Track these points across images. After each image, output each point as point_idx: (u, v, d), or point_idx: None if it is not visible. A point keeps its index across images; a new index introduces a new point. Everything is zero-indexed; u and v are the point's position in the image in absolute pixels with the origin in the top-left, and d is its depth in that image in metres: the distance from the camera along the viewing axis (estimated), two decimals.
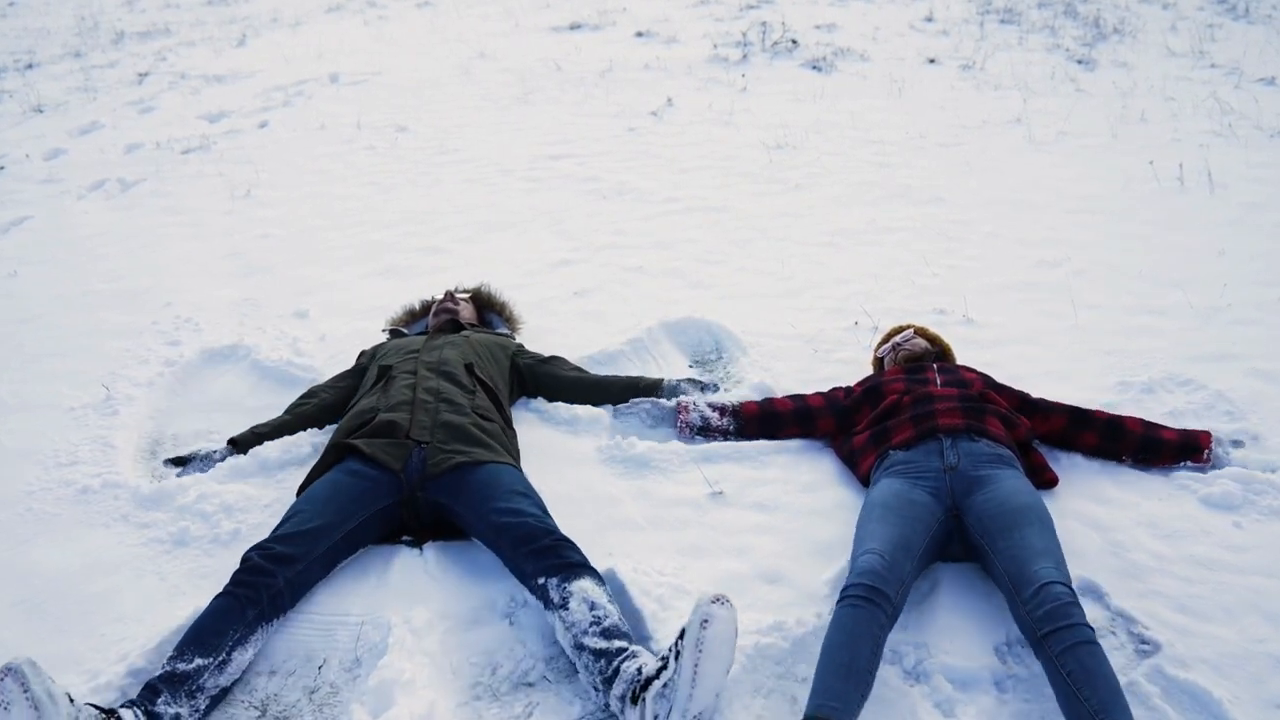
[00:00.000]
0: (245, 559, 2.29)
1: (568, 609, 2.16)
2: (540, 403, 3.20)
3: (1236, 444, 2.79)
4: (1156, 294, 3.79)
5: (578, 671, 2.17)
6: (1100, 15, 8.86)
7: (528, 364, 3.25)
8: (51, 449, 3.09)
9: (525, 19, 9.96)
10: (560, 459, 2.94)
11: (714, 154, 5.75)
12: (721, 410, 3.00)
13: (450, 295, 3.51)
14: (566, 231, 4.71)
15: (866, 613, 2.04)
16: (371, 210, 5.12)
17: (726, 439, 2.96)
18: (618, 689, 2.00)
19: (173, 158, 6.21)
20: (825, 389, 3.07)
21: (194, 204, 5.36)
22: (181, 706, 2.02)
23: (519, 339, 3.54)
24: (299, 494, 2.63)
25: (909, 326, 3.21)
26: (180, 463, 2.97)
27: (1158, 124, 5.95)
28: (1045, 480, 2.66)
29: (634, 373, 3.38)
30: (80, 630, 2.35)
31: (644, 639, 2.23)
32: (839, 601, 2.10)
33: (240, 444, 2.98)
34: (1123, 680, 2.08)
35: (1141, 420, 2.80)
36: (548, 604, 2.23)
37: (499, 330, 3.54)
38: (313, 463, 2.88)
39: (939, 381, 2.80)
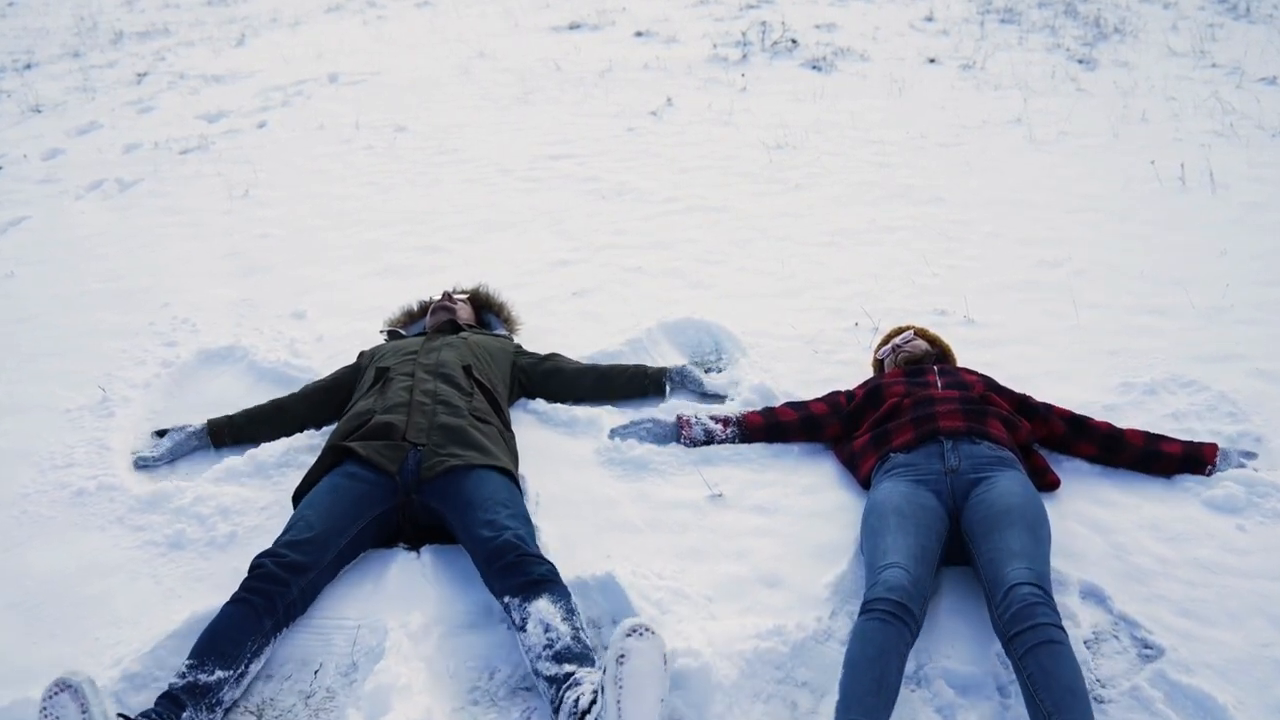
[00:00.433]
0: (258, 565, 2.25)
1: (525, 631, 2.14)
2: (539, 404, 3.17)
3: (1248, 455, 2.74)
4: (1158, 294, 3.77)
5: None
6: (1101, 15, 8.85)
7: (529, 363, 3.24)
8: (47, 451, 3.07)
9: (525, 19, 9.94)
10: (559, 461, 2.92)
11: (714, 154, 5.73)
12: (725, 422, 2.96)
13: (448, 296, 3.49)
14: (566, 231, 4.70)
15: (895, 630, 2.00)
16: (370, 210, 5.10)
17: (733, 446, 2.94)
18: (562, 718, 1.97)
19: (171, 158, 6.19)
20: (824, 393, 3.05)
21: (192, 204, 5.34)
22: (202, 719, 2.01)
23: (517, 339, 3.53)
24: (295, 496, 2.61)
25: (909, 328, 3.19)
26: (162, 434, 3.09)
27: (1159, 124, 5.93)
28: (1047, 482, 2.63)
29: (626, 391, 3.31)
30: (74, 634, 2.34)
31: (591, 663, 2.20)
32: (864, 613, 2.05)
33: (214, 430, 3.06)
34: (1125, 685, 2.07)
35: (1144, 433, 2.76)
36: (511, 624, 2.21)
37: (497, 331, 3.52)
38: (309, 465, 2.87)
39: (940, 384, 2.78)
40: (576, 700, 1.95)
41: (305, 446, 3.00)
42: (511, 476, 2.63)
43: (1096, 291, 3.83)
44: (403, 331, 3.46)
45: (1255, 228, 4.35)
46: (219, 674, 2.05)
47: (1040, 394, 3.05)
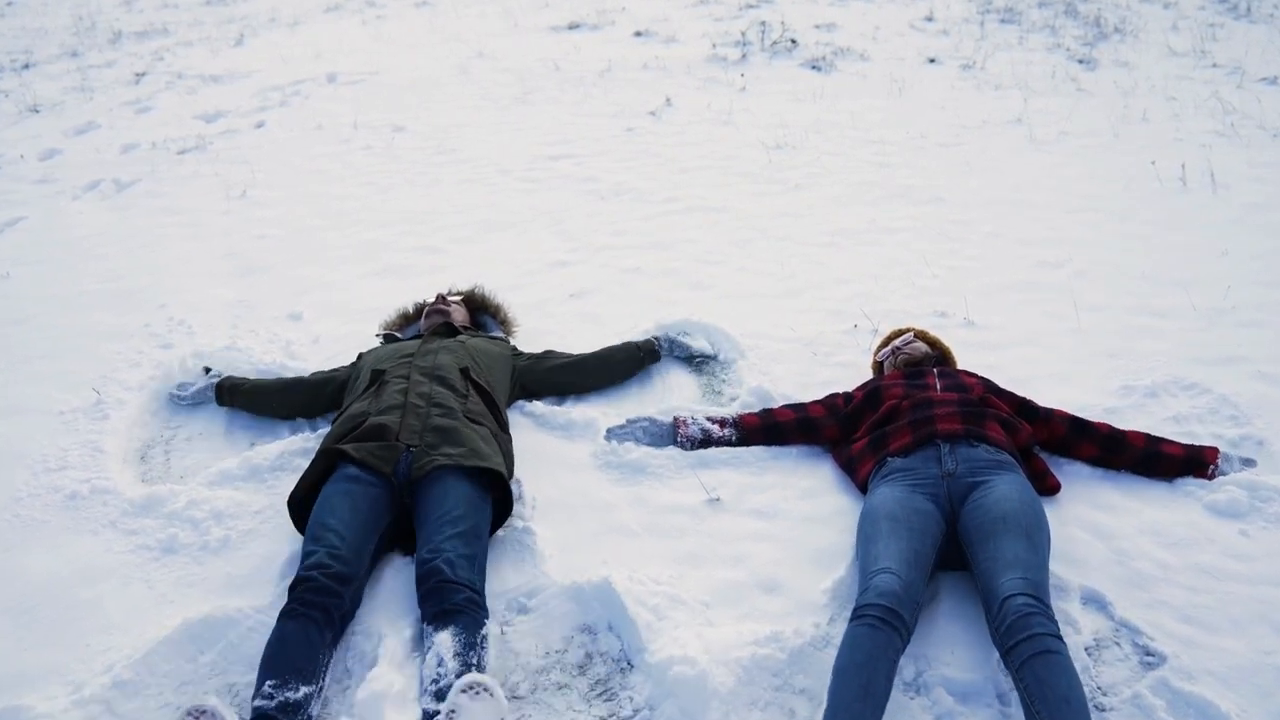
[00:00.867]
0: (308, 579, 2.21)
1: (424, 662, 2.12)
2: (535, 406, 3.15)
3: (1248, 463, 2.72)
4: (1159, 295, 3.75)
5: (573, 681, 2.14)
6: (1101, 14, 8.82)
7: (528, 364, 3.23)
8: (40, 454, 3.05)
9: (524, 19, 9.92)
10: (555, 464, 2.90)
11: (713, 154, 5.71)
12: (721, 422, 2.95)
13: (442, 298, 3.47)
14: (565, 232, 4.67)
15: (884, 636, 1.98)
16: (368, 210, 5.08)
17: (730, 447, 2.92)
18: None
19: (169, 158, 6.17)
20: (823, 395, 3.03)
21: (190, 204, 5.32)
22: None
23: (513, 341, 3.51)
24: (291, 501, 2.57)
25: (909, 330, 3.16)
26: (206, 372, 3.42)
27: (1159, 124, 5.91)
28: (1048, 486, 2.61)
29: (626, 366, 3.33)
30: (65, 640, 2.32)
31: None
32: (855, 619, 2.04)
33: (220, 391, 3.27)
34: (1127, 693, 2.04)
35: (1146, 435, 2.74)
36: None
37: (493, 334, 3.50)
38: (304, 468, 2.85)
39: (939, 386, 2.76)
40: None
41: (299, 450, 2.98)
42: (498, 479, 2.59)
43: (1097, 293, 3.80)
44: (398, 335, 3.44)
45: (1256, 228, 4.33)
46: (304, 690, 2.03)
47: (1040, 397, 3.03)
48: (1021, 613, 1.97)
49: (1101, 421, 2.82)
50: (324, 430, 3.08)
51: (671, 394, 3.26)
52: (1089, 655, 2.16)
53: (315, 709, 2.05)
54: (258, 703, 2.00)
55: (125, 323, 3.90)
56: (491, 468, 2.57)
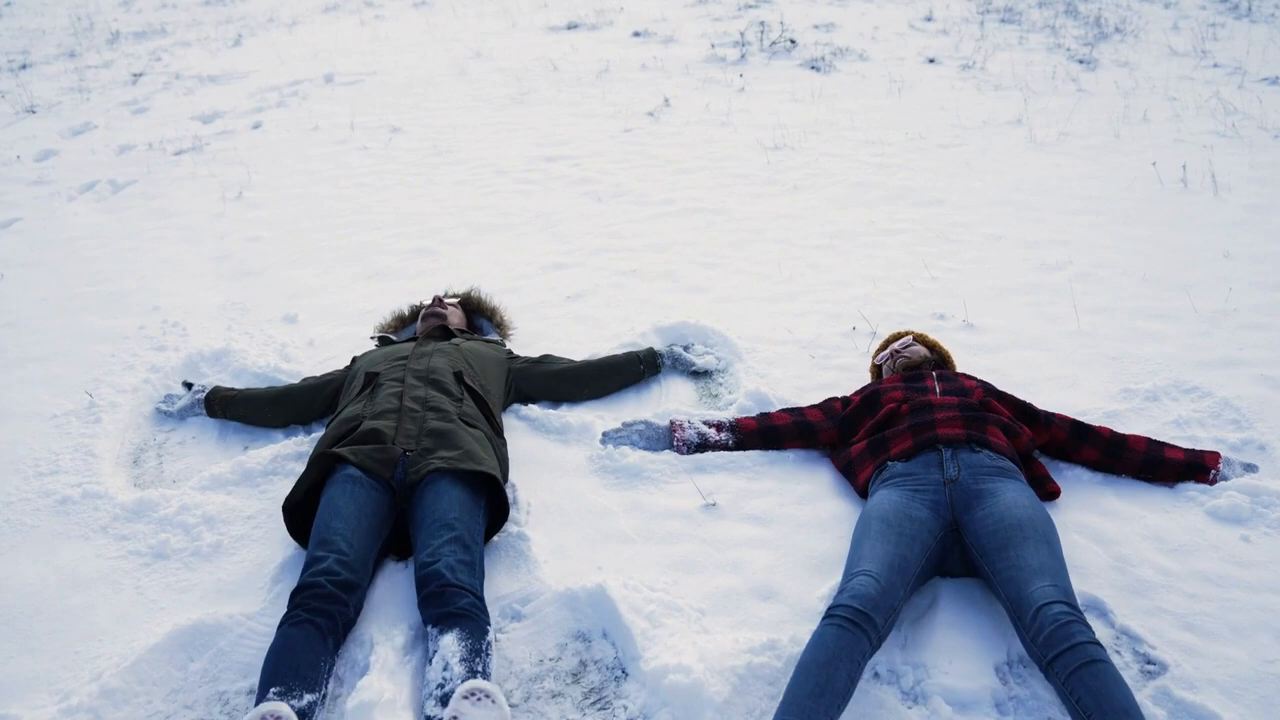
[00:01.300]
0: (314, 585, 2.19)
1: (430, 666, 2.10)
2: (531, 410, 3.13)
3: (1250, 468, 2.70)
4: (1160, 297, 3.72)
5: (565, 690, 2.11)
6: (1101, 14, 8.80)
7: (523, 367, 3.20)
8: (32, 458, 3.02)
9: (522, 19, 9.90)
10: (550, 469, 2.87)
11: (711, 155, 5.68)
12: (718, 426, 2.92)
13: (438, 301, 3.44)
14: (561, 234, 4.65)
15: (851, 637, 1.98)
16: (364, 212, 5.06)
17: (727, 451, 2.89)
18: None
19: (165, 159, 6.15)
20: (820, 399, 3.00)
21: (185, 206, 5.29)
22: None
23: (509, 344, 3.48)
24: (286, 506, 2.54)
25: (908, 333, 3.14)
26: (188, 387, 3.34)
27: (1160, 124, 5.88)
28: (1048, 492, 2.58)
29: (624, 378, 3.29)
30: (53, 647, 2.29)
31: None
32: (825, 617, 2.04)
33: (210, 403, 3.21)
34: None
35: (1147, 439, 2.71)
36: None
37: (489, 337, 3.47)
38: (298, 472, 2.82)
39: (938, 390, 2.73)
40: None
41: (293, 454, 2.95)
42: (493, 483, 2.57)
43: (1098, 295, 3.77)
44: (393, 337, 3.42)
45: (1258, 230, 4.30)
46: (308, 698, 2.01)
47: (1041, 400, 3.00)
48: (1060, 621, 1.94)
49: (1102, 425, 2.79)
50: (318, 434, 3.06)
51: (668, 397, 3.23)
52: None
53: (322, 716, 2.04)
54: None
55: (119, 325, 3.88)
56: (486, 471, 2.55)
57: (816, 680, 1.91)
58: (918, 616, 2.25)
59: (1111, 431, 2.73)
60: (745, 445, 2.88)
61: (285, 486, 2.80)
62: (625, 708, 2.08)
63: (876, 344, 3.37)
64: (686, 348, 3.40)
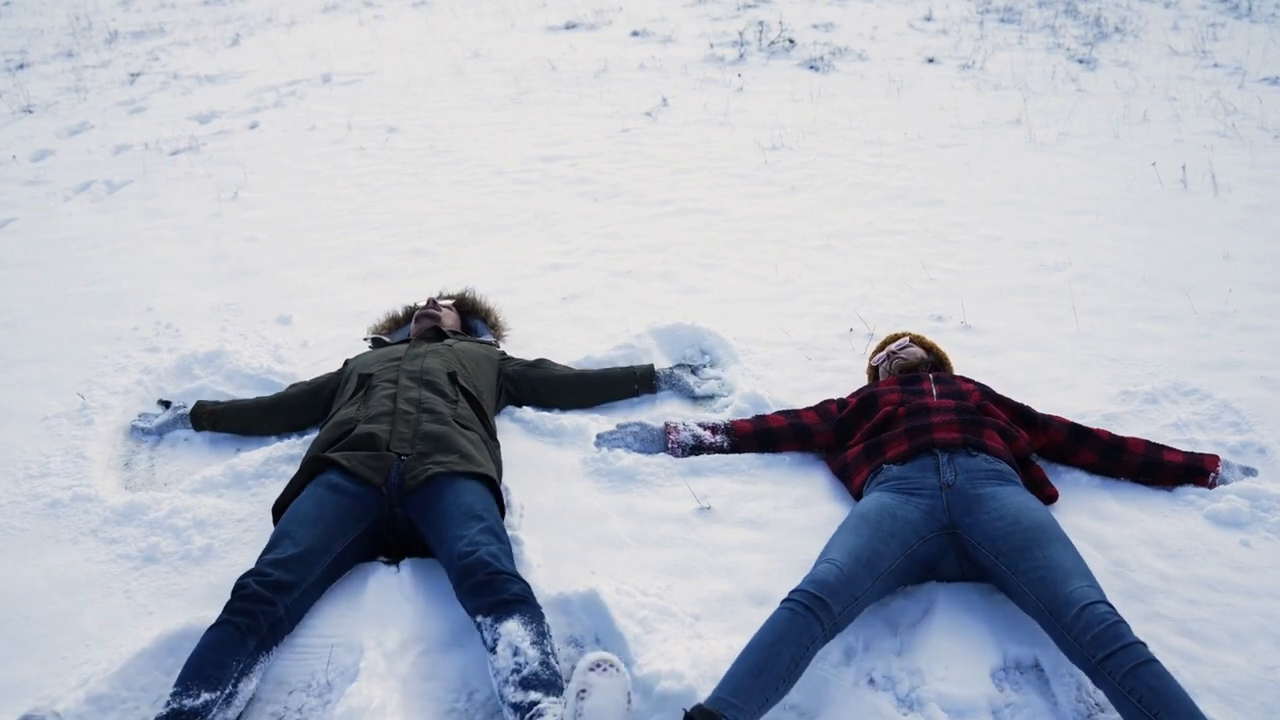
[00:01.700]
0: (242, 586, 2.18)
1: (495, 654, 2.08)
2: (525, 413, 3.10)
3: (1249, 472, 2.67)
4: (1160, 299, 3.70)
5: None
6: (1101, 14, 8.78)
7: (516, 370, 3.17)
8: (22, 460, 3.00)
9: (521, 18, 9.88)
10: (544, 472, 2.85)
11: (709, 155, 5.66)
12: (714, 429, 2.90)
13: (432, 302, 3.42)
14: (557, 235, 4.62)
15: (802, 620, 1.99)
16: (360, 212, 5.03)
17: (722, 453, 2.87)
18: None
19: (161, 159, 6.13)
20: (816, 401, 2.98)
21: (180, 206, 5.27)
22: None
23: (503, 346, 3.46)
24: (275, 509, 2.53)
25: (905, 334, 3.11)
26: (166, 406, 3.25)
27: (1160, 124, 5.85)
28: (1045, 495, 2.56)
29: (616, 393, 3.25)
30: (41, 653, 2.26)
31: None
32: (781, 601, 2.05)
33: (195, 417, 3.14)
34: None
35: (1146, 442, 2.69)
36: (484, 645, 2.15)
37: (483, 338, 3.45)
38: (289, 475, 2.80)
39: (935, 393, 2.71)
40: None
41: (285, 456, 2.93)
42: (492, 485, 2.56)
43: (1097, 296, 3.75)
44: (387, 338, 3.40)
45: (1259, 230, 4.28)
46: (205, 697, 1.99)
47: (1039, 402, 2.98)
48: (1108, 621, 1.93)
49: (1101, 428, 2.77)
50: (311, 436, 3.04)
51: (663, 399, 3.21)
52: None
53: (221, 713, 2.01)
54: (158, 714, 1.98)
55: (112, 326, 3.86)
56: (484, 473, 2.53)
57: (757, 660, 1.92)
58: (913, 622, 2.22)
59: (1110, 434, 2.71)
60: (740, 448, 2.86)
61: (277, 489, 2.78)
62: None
63: (873, 345, 3.34)
64: (695, 370, 3.28)
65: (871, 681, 2.09)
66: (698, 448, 2.86)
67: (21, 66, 9.09)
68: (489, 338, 3.49)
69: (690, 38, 8.57)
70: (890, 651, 2.15)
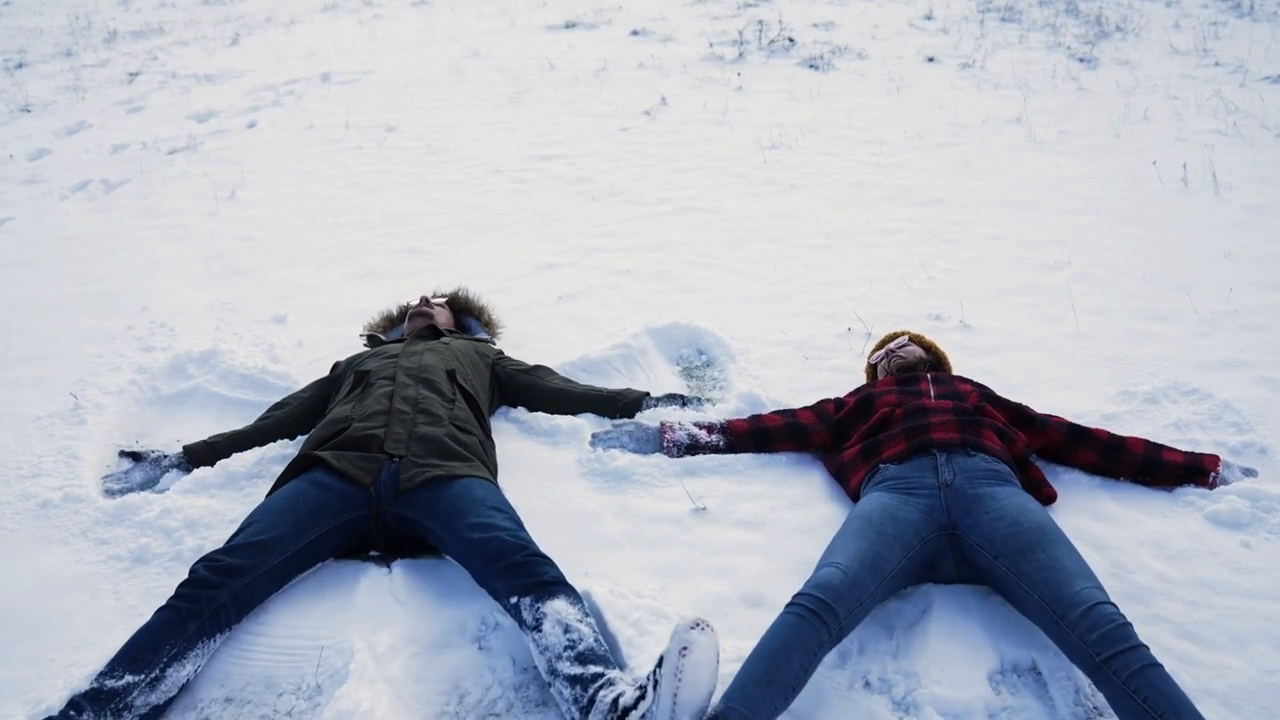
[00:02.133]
0: (193, 571, 2.19)
1: (541, 631, 2.07)
2: (520, 413, 3.08)
3: (1249, 472, 2.64)
4: (1160, 298, 3.67)
5: (552, 697, 2.06)
6: (1102, 13, 8.75)
7: (509, 373, 3.15)
8: (14, 460, 2.98)
9: (521, 17, 9.86)
10: (539, 472, 2.83)
11: (708, 154, 5.64)
12: (709, 428, 2.88)
13: (425, 300, 3.40)
14: (555, 234, 4.60)
15: (809, 626, 1.95)
16: (356, 211, 5.02)
17: (718, 453, 2.84)
18: (595, 718, 1.89)
19: (158, 158, 6.11)
20: (814, 401, 2.95)
21: (177, 205, 5.25)
22: None
23: (498, 344, 3.44)
24: None
25: (904, 333, 3.09)
26: (136, 458, 2.95)
27: (1161, 123, 5.83)
28: (1044, 496, 2.53)
29: (619, 381, 3.26)
30: (29, 655, 2.24)
31: (619, 666, 2.12)
32: (786, 606, 2.02)
33: (192, 455, 2.89)
34: None
35: (1145, 441, 2.67)
36: (522, 625, 2.13)
37: (478, 336, 3.43)
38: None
39: (933, 393, 2.68)
40: (617, 699, 1.89)
41: (277, 457, 2.90)
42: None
43: (1097, 296, 3.73)
44: (382, 337, 3.38)
45: (1260, 230, 4.25)
46: (127, 679, 1.98)
47: (1038, 402, 2.96)
48: (1116, 621, 1.92)
49: (1100, 428, 2.74)
50: (303, 436, 3.01)
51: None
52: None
53: (144, 698, 2.00)
54: (75, 687, 1.99)
55: (107, 325, 3.84)
56: (485, 476, 2.52)
57: (766, 668, 1.89)
58: (910, 624, 2.20)
59: (1109, 434, 2.68)
60: (736, 447, 2.84)
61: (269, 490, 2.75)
62: None
63: (872, 344, 3.32)
64: (685, 403, 3.06)
65: (867, 684, 2.07)
66: (693, 447, 2.84)
67: (20, 66, 9.08)
68: (483, 336, 3.47)
69: (690, 37, 8.55)
70: (886, 654, 2.12)
